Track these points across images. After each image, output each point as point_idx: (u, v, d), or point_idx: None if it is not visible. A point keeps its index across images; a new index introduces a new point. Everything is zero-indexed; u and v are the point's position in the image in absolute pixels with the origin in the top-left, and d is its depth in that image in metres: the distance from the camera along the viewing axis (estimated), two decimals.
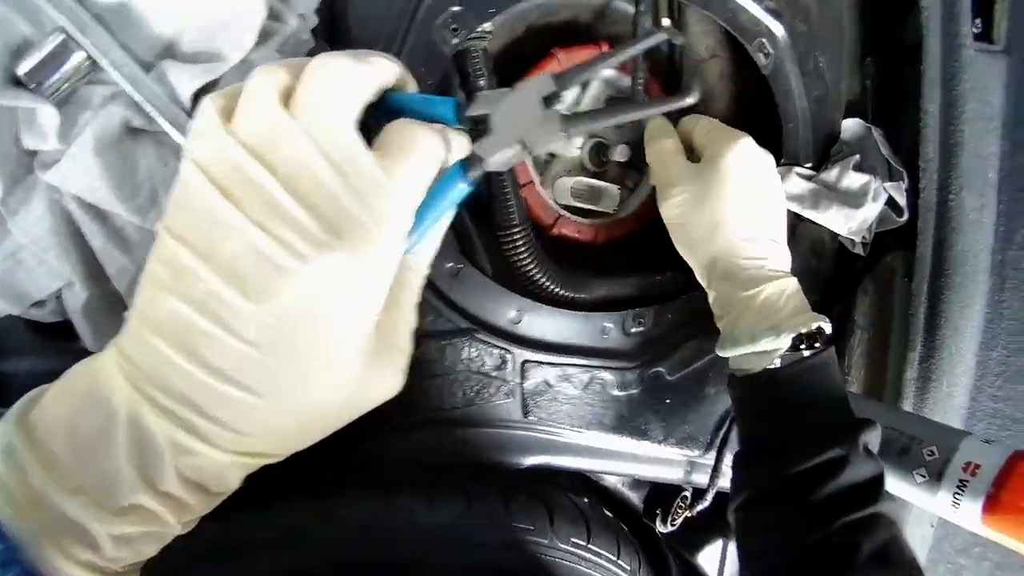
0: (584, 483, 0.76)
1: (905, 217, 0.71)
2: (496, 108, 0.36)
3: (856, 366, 0.79)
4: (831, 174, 0.71)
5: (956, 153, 0.69)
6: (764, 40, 0.67)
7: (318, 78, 0.31)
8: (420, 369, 0.58)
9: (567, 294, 0.63)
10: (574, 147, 0.68)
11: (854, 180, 0.70)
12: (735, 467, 0.62)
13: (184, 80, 0.48)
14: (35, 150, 0.46)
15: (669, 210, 0.62)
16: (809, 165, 0.72)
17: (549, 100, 0.35)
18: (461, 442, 0.61)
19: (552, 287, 0.62)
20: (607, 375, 0.64)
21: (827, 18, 0.71)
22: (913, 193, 0.71)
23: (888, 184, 0.70)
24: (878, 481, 0.56)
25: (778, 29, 0.68)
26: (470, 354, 0.59)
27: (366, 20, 0.54)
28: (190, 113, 0.48)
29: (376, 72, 0.33)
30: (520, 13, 0.66)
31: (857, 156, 0.71)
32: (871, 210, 0.70)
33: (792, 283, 0.61)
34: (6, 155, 0.46)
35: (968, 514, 0.60)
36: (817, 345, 0.59)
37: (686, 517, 0.74)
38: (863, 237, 0.73)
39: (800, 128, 0.71)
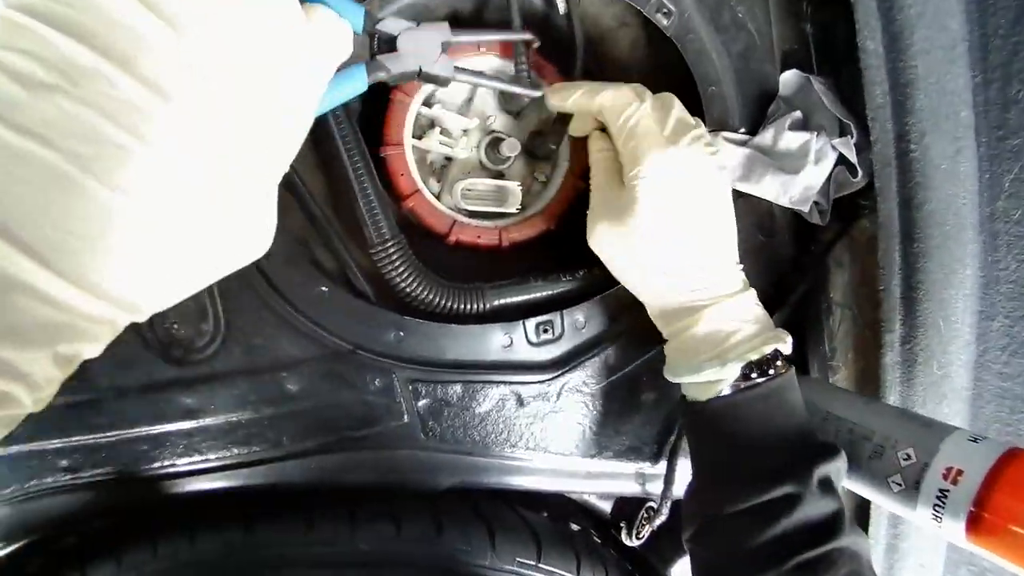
0: (545, 497, 0.71)
1: (860, 177, 0.61)
2: (403, 34, 0.46)
3: (841, 349, 0.69)
4: (766, 136, 0.62)
5: (910, 94, 0.58)
6: None
7: None
8: (307, 395, 0.55)
9: (454, 307, 0.58)
10: (464, 147, 0.63)
11: (792, 141, 0.61)
12: (685, 494, 0.58)
13: None
14: None
15: (593, 247, 0.58)
16: (743, 130, 0.64)
17: (444, 47, 0.47)
18: (368, 466, 0.58)
19: (436, 300, 0.57)
20: (518, 389, 0.59)
21: None
22: (869, 149, 0.61)
23: (837, 141, 0.61)
24: (836, 518, 0.51)
25: None
26: (353, 377, 0.56)
27: None
28: None
29: None
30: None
31: (797, 113, 0.62)
32: (815, 174, 0.61)
33: (742, 303, 0.56)
34: None
35: (951, 530, 0.50)
36: (772, 371, 0.54)
37: (653, 529, 0.68)
38: (817, 204, 0.64)
39: (725, 89, 0.62)
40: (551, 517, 0.70)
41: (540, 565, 0.63)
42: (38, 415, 0.41)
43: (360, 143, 0.55)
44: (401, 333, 0.56)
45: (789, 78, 0.64)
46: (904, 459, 0.55)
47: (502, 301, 0.59)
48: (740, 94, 0.63)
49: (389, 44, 0.46)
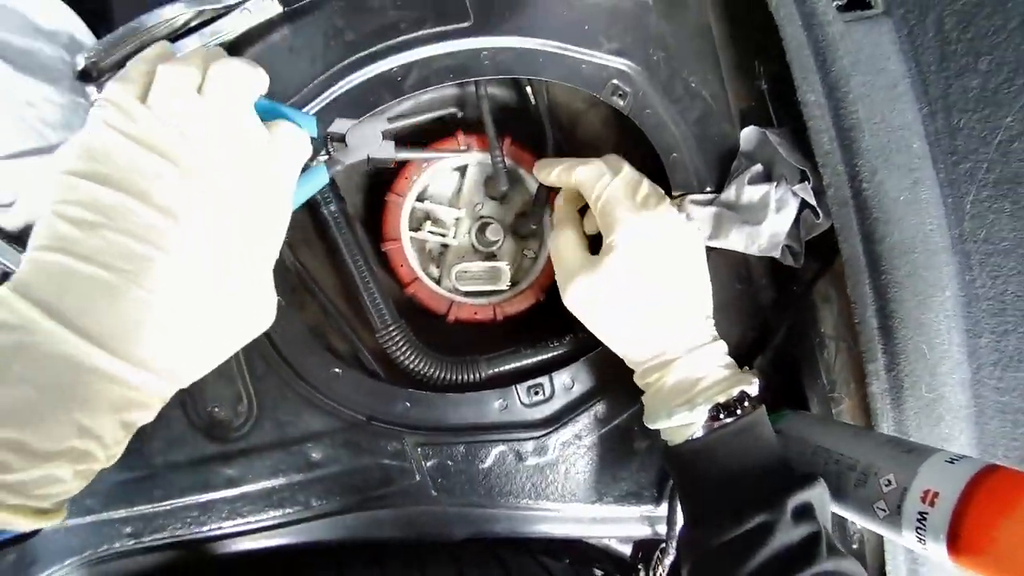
0: (569, 544, 0.76)
1: (824, 219, 0.65)
2: (349, 131, 0.57)
3: (841, 380, 0.71)
4: (730, 192, 0.67)
5: (855, 137, 0.62)
6: (615, 82, 0.67)
7: (225, 74, 0.43)
8: (331, 461, 0.63)
9: (454, 378, 0.65)
10: (459, 235, 0.72)
11: (753, 193, 0.66)
12: (680, 532, 0.63)
13: None
14: None
15: (568, 304, 0.63)
16: (709, 189, 0.69)
17: (384, 134, 0.58)
18: (391, 521, 0.65)
19: (437, 374, 0.65)
20: (516, 446, 0.65)
21: (688, 35, 0.68)
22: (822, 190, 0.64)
23: (797, 187, 0.65)
24: (812, 542, 0.53)
25: (628, 66, 0.67)
26: (371, 444, 0.64)
27: None
28: None
29: (262, 76, 0.45)
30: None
31: (757, 167, 0.67)
32: (779, 221, 0.65)
33: (710, 354, 0.60)
34: None
35: (936, 552, 0.52)
36: (740, 411, 0.58)
37: (666, 570, 0.71)
38: (790, 247, 0.67)
39: (685, 155, 0.68)
40: (573, 563, 0.74)
41: None
42: (107, 490, 0.53)
43: (360, 245, 0.64)
44: (408, 404, 0.64)
45: (748, 134, 0.69)
46: (886, 485, 0.56)
47: (496, 370, 0.66)
48: (702, 157, 0.68)
49: (339, 140, 0.57)
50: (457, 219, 0.72)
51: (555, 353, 0.68)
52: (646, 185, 0.63)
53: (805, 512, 0.54)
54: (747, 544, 0.53)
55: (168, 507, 0.60)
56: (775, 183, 0.65)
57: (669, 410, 0.59)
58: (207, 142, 0.42)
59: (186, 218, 0.41)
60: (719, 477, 0.58)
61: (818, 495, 0.56)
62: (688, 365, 0.60)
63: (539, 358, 0.68)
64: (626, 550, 0.78)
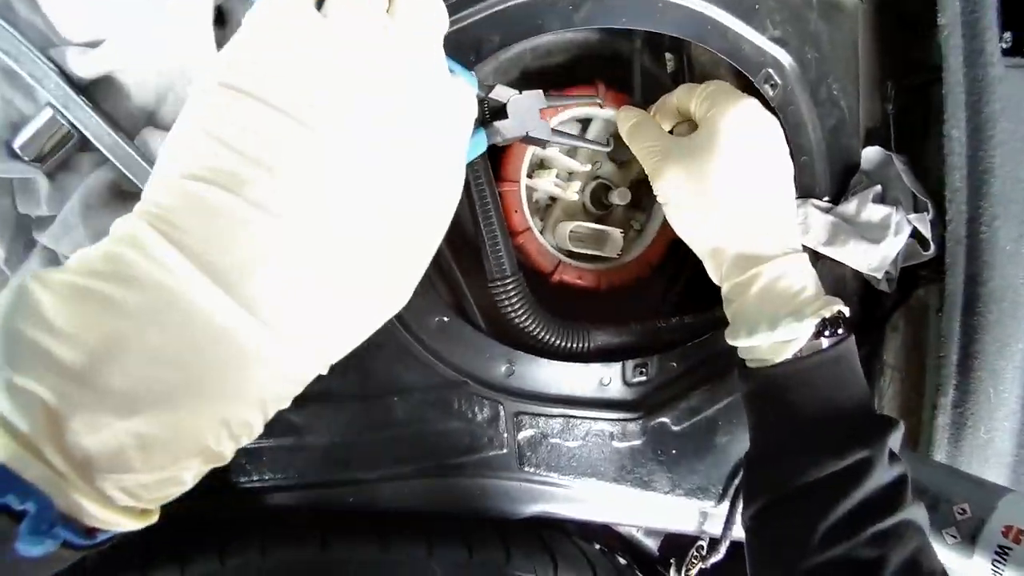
0: (596, 530, 0.73)
1: (931, 251, 0.66)
2: (511, 101, 0.50)
3: (888, 409, 0.74)
4: (850, 207, 0.67)
5: (987, 181, 0.64)
6: (770, 71, 0.64)
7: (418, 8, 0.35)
8: (414, 421, 0.57)
9: (563, 344, 0.61)
10: (573, 191, 0.66)
11: (874, 213, 0.66)
12: (747, 470, 0.58)
13: (159, 144, 0.49)
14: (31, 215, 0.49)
15: (659, 191, 0.57)
16: (827, 199, 0.68)
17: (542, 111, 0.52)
18: (457, 492, 0.60)
19: (547, 337, 0.60)
20: (608, 426, 0.62)
21: (840, 42, 0.67)
22: (941, 225, 0.66)
23: (912, 216, 0.66)
24: (904, 482, 0.51)
25: (785, 58, 0.64)
26: (462, 407, 0.58)
27: None
28: None
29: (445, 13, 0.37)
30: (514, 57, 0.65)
31: (878, 187, 0.67)
32: (893, 244, 0.66)
33: (803, 262, 0.55)
34: (6, 219, 0.49)
35: None
36: (840, 332, 0.53)
37: (701, 569, 0.71)
38: (887, 273, 0.68)
39: (815, 160, 0.67)
40: (602, 548, 0.72)
41: None
42: None
43: (491, 178, 0.57)
44: (512, 366, 0.58)
45: (871, 154, 0.69)
46: (960, 513, 0.59)
47: (604, 342, 0.62)
48: (829, 165, 0.67)
49: (496, 111, 0.51)
50: (572, 173, 0.66)
51: (661, 333, 0.65)
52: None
53: (894, 454, 0.52)
54: (845, 480, 0.49)
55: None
56: (895, 207, 0.66)
57: (773, 319, 0.52)
58: (394, 79, 0.33)
59: (363, 169, 0.32)
60: (818, 406, 0.52)
61: (899, 438, 0.53)
62: (786, 268, 0.53)
63: (645, 336, 0.64)
64: (647, 541, 0.77)
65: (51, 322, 0.27)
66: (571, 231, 0.63)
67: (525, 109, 0.51)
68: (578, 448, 0.61)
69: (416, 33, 0.34)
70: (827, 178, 0.68)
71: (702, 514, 0.68)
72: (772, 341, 0.53)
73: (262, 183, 0.30)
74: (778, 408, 0.55)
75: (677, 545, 0.74)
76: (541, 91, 0.52)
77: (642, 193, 0.67)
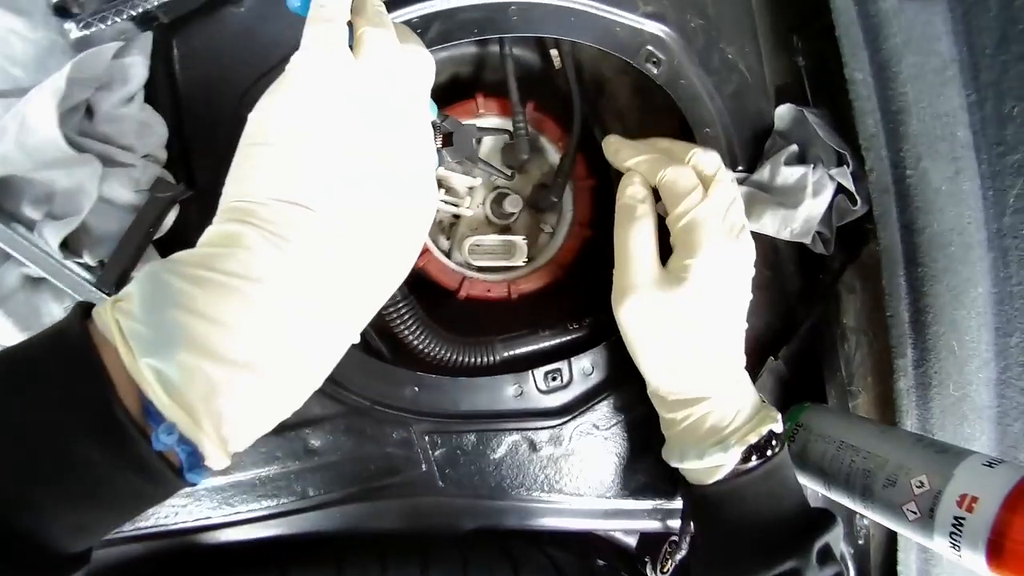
0: (572, 536, 0.72)
1: (860, 205, 0.62)
2: (457, 131, 0.55)
3: (859, 375, 0.69)
4: (764, 173, 0.63)
5: (903, 121, 0.59)
6: (650, 48, 0.62)
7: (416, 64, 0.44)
8: (330, 450, 0.58)
9: (466, 360, 0.61)
10: (469, 205, 0.66)
11: (788, 175, 0.62)
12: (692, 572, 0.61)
13: (51, 235, 0.52)
14: None
15: (621, 315, 0.57)
16: (741, 168, 0.65)
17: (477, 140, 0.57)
18: (393, 512, 0.61)
19: (447, 356, 0.60)
20: (530, 435, 0.61)
21: (729, 4, 0.63)
22: (864, 176, 0.61)
23: (834, 171, 0.62)
24: None
25: (664, 32, 0.62)
26: (374, 432, 0.59)
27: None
28: (61, 262, 0.53)
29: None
30: None
31: (793, 147, 0.63)
32: (814, 206, 0.62)
33: (743, 389, 0.58)
34: None
35: (972, 561, 0.50)
36: (769, 452, 0.56)
37: (676, 564, 0.68)
38: (821, 235, 0.64)
39: (719, 130, 0.64)
40: (577, 554, 0.71)
41: None
42: None
43: None
44: (417, 388, 0.59)
45: (784, 112, 0.65)
46: (917, 487, 0.54)
47: (512, 352, 0.62)
48: (736, 133, 0.64)
49: (445, 137, 0.56)
50: (471, 188, 0.66)
51: (574, 336, 0.64)
52: (738, 207, 0.58)
53: (827, 553, 0.54)
54: None
55: None
56: (812, 165, 0.62)
57: (701, 450, 0.56)
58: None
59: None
60: (747, 520, 0.56)
61: (835, 535, 0.56)
62: (723, 403, 0.57)
63: (557, 341, 0.63)
64: (630, 540, 0.75)
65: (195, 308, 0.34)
66: (471, 245, 0.64)
67: (465, 138, 0.56)
68: (502, 461, 0.61)
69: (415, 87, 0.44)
70: (738, 146, 0.65)
71: (658, 511, 0.66)
72: (702, 467, 0.56)
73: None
74: (713, 522, 0.58)
75: (652, 541, 0.72)
76: (475, 124, 0.58)
77: (547, 195, 0.66)
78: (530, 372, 0.61)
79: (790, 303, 0.67)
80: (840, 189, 0.63)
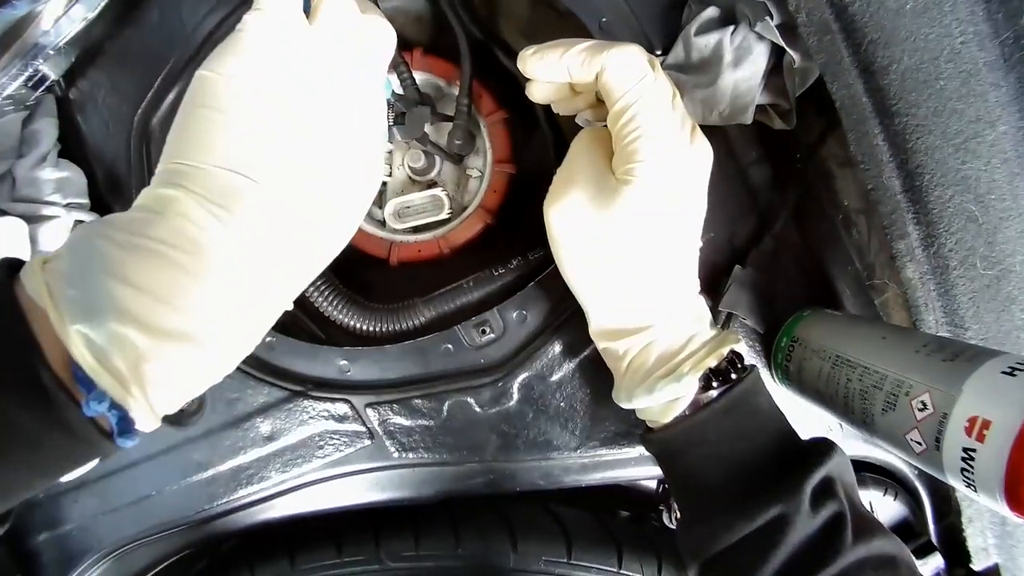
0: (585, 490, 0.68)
1: (796, 60, 0.48)
2: (409, 111, 0.58)
3: (880, 263, 0.54)
4: (678, 51, 0.52)
5: None
6: None
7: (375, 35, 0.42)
8: (280, 433, 0.61)
9: (389, 328, 0.59)
10: (395, 166, 0.63)
11: (701, 47, 0.50)
12: (677, 530, 0.52)
13: None
14: None
15: (550, 211, 0.49)
16: (659, 52, 0.54)
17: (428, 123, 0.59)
18: (359, 488, 0.62)
19: (368, 326, 0.59)
20: (471, 395, 0.58)
21: None
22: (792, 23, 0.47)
23: (759, 27, 0.48)
24: (838, 523, 0.44)
25: None
26: (317, 411, 0.60)
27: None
28: None
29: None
30: None
31: (708, 11, 0.51)
32: (739, 77, 0.49)
33: (700, 319, 0.49)
34: None
35: (991, 502, 0.39)
36: (734, 376, 0.47)
37: None
38: (776, 107, 0.51)
39: (617, 15, 0.54)
40: (592, 509, 0.66)
41: (572, 562, 0.61)
42: (102, 489, 0.61)
43: None
44: (346, 362, 0.59)
45: None
46: (919, 408, 0.42)
47: (439, 311, 0.59)
48: (642, 12, 0.53)
49: (399, 118, 0.58)
50: (388, 152, 0.63)
51: (503, 282, 0.59)
52: (682, 104, 0.48)
53: (825, 491, 0.44)
54: (762, 543, 0.44)
55: (156, 496, 0.62)
56: (732, 28, 0.49)
57: (650, 384, 0.48)
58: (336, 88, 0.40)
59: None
60: (717, 464, 0.47)
61: (836, 465, 0.45)
62: (673, 330, 0.49)
63: (486, 290, 0.59)
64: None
65: (124, 275, 0.34)
66: (397, 208, 0.61)
67: (417, 118, 0.57)
68: (447, 424, 0.58)
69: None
70: (649, 28, 0.54)
71: (647, 458, 0.59)
72: (654, 404, 0.49)
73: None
74: (680, 471, 0.50)
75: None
76: (429, 107, 0.58)
77: (454, 138, 0.60)
78: (456, 328, 0.57)
79: (759, 198, 0.55)
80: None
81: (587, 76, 0.46)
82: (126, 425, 0.35)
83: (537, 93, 0.50)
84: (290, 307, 0.41)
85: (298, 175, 0.38)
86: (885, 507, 0.62)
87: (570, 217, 0.48)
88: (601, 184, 0.47)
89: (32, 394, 0.32)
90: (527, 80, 0.50)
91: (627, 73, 0.45)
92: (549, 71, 0.47)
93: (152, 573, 0.69)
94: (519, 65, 0.48)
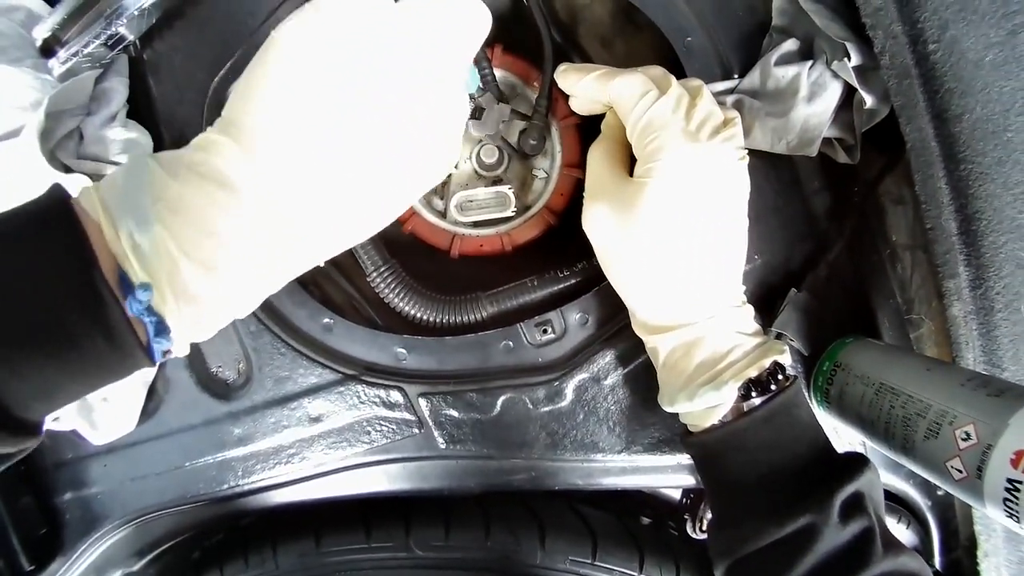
0: (614, 494, 0.70)
1: (870, 102, 0.51)
2: (490, 108, 0.60)
3: (919, 299, 0.57)
4: (754, 77, 0.55)
5: None
6: None
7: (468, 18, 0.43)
8: (329, 415, 0.61)
9: (452, 320, 0.60)
10: (461, 159, 0.65)
11: (779, 77, 0.53)
12: (708, 530, 0.55)
13: None
14: None
15: (585, 225, 0.53)
16: (737, 76, 0.56)
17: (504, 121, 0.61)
18: (400, 476, 0.62)
19: (431, 317, 0.60)
20: (527, 391, 0.59)
21: None
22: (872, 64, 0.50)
23: (835, 66, 0.51)
24: (867, 538, 0.45)
25: None
26: (369, 396, 0.60)
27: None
28: None
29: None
30: None
31: (789, 44, 0.53)
32: (811, 111, 0.52)
33: (738, 319, 0.51)
34: None
35: None
36: (774, 387, 0.49)
37: None
38: (841, 141, 0.54)
39: (703, 36, 0.56)
40: (619, 513, 0.68)
41: (596, 563, 0.63)
42: (134, 454, 0.62)
43: None
44: (404, 351, 0.60)
45: (781, 3, 0.55)
46: (963, 439, 0.45)
47: (501, 307, 0.60)
48: (724, 37, 0.56)
49: (477, 112, 0.60)
50: None
51: (567, 284, 0.61)
52: (704, 106, 0.49)
53: (854, 505, 0.46)
54: (790, 550, 0.45)
55: (188, 468, 0.62)
56: (811, 63, 0.52)
57: (691, 390, 0.50)
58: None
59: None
60: (753, 470, 0.49)
61: (867, 482, 0.47)
62: (714, 335, 0.50)
63: (549, 291, 0.61)
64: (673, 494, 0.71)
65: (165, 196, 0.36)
66: (460, 201, 0.63)
67: (496, 115, 0.59)
68: (500, 419, 0.60)
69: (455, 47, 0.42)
70: (729, 52, 0.56)
71: (684, 467, 0.61)
72: (694, 409, 0.51)
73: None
74: (717, 473, 0.52)
75: (694, 497, 0.67)
76: (508, 107, 0.61)
77: (529, 138, 0.62)
78: (518, 326, 0.59)
79: (818, 226, 0.57)
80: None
81: (603, 98, 0.52)
82: (160, 330, 0.36)
83: (576, 105, 0.56)
84: (321, 264, 0.42)
85: (348, 146, 0.38)
86: (897, 534, 0.65)
87: (600, 225, 0.51)
88: (620, 187, 0.51)
89: (83, 293, 0.34)
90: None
91: (632, 92, 0.49)
92: (573, 90, 0.54)
93: (170, 543, 0.69)
94: (556, 77, 0.55)
